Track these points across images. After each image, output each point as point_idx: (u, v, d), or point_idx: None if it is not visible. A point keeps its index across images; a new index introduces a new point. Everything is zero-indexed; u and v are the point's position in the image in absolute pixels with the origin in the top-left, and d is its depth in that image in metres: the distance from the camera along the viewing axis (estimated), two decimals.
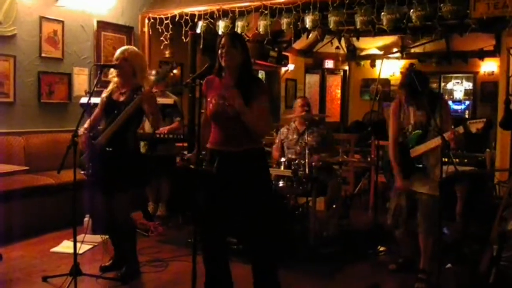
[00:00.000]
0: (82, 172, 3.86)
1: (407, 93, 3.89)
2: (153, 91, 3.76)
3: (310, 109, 5.21)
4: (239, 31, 6.03)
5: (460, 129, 3.58)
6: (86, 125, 3.89)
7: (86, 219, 4.84)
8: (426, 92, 3.85)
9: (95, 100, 4.01)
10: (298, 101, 5.23)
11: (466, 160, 5.49)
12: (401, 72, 3.74)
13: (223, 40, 3.10)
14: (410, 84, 3.80)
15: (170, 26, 6.46)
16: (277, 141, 5.35)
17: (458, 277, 4.05)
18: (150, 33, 6.85)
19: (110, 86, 3.94)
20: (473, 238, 4.64)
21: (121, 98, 3.83)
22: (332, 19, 5.49)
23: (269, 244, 3.25)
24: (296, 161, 4.68)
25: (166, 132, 5.44)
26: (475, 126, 3.55)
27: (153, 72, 4.25)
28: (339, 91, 12.29)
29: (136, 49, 4.08)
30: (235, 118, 3.06)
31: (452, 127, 3.70)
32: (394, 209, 4.12)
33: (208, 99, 3.20)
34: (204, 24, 6.30)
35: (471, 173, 5.27)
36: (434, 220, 3.79)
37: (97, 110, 3.98)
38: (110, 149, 3.75)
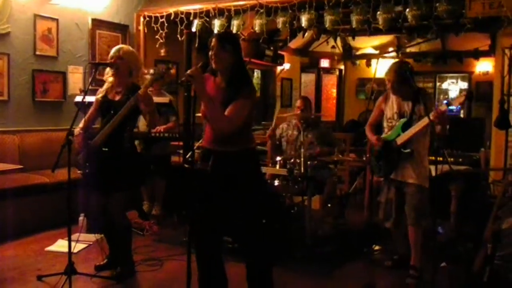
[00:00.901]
0: (79, 171, 3.86)
1: (396, 80, 3.93)
2: (149, 91, 3.74)
3: (309, 109, 5.21)
4: (234, 30, 6.02)
5: (443, 107, 3.67)
6: (81, 125, 3.88)
7: (81, 218, 4.83)
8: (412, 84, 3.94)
9: (90, 98, 3.99)
10: (297, 102, 5.27)
11: (461, 159, 5.50)
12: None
13: (213, 41, 3.07)
14: (400, 72, 3.89)
15: (166, 24, 6.44)
16: (271, 132, 5.33)
17: (453, 275, 4.06)
18: (145, 31, 6.82)
19: (105, 86, 3.92)
20: (467, 237, 4.65)
21: (117, 98, 3.82)
22: (328, 18, 5.49)
23: (262, 244, 3.24)
24: (292, 160, 4.69)
25: (162, 131, 5.42)
26: (457, 100, 3.80)
27: (151, 71, 4.23)
28: (334, 91, 12.30)
29: (130, 48, 4.07)
30: None
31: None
32: (385, 203, 4.15)
33: None
34: (200, 23, 6.29)
35: (465, 172, 5.28)
36: (422, 211, 3.83)
37: (91, 110, 3.96)
38: (106, 149, 3.74)
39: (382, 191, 4.25)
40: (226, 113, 2.97)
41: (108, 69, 3.96)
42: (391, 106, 4.08)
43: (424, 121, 3.73)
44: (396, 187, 4.06)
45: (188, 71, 2.93)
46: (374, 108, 4.32)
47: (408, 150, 3.91)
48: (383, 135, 4.13)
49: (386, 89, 4.11)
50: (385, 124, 4.17)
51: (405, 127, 3.92)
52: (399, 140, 3.94)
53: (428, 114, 3.65)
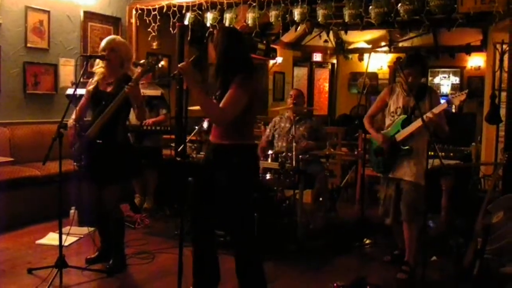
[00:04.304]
0: (75, 163, 3.84)
1: (419, 73, 3.93)
2: (138, 85, 3.71)
3: (301, 101, 5.23)
4: (227, 23, 6.01)
5: (444, 105, 3.70)
6: (73, 116, 3.86)
7: (72, 211, 4.81)
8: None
9: (81, 91, 3.97)
10: (290, 93, 5.29)
11: (452, 154, 5.53)
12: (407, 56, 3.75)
13: None
14: (424, 64, 4.00)
15: (158, 17, 6.42)
16: (267, 132, 5.36)
17: (443, 269, 4.09)
18: (138, 24, 6.79)
19: (96, 77, 3.89)
20: (458, 231, 4.69)
21: (109, 89, 3.80)
22: (320, 12, 5.49)
23: (246, 236, 3.22)
24: (284, 154, 4.69)
25: (151, 123, 5.42)
26: (458, 98, 3.72)
27: (141, 61, 4.17)
28: (327, 85, 12.32)
29: (122, 39, 4.05)
30: None
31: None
32: (384, 199, 4.14)
33: None
34: (192, 16, 6.27)
35: (456, 167, 5.31)
36: (416, 209, 3.82)
37: (83, 101, 3.94)
38: (100, 141, 3.72)
39: (381, 187, 4.22)
40: (220, 104, 2.98)
41: (97, 61, 3.93)
42: (395, 99, 4.05)
43: (418, 122, 3.72)
44: (395, 185, 4.03)
45: (179, 65, 2.93)
46: (377, 99, 4.25)
47: (407, 147, 3.89)
48: (383, 131, 4.10)
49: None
50: (387, 118, 4.14)
51: (404, 124, 3.91)
52: (399, 137, 3.92)
53: (432, 110, 3.70)
